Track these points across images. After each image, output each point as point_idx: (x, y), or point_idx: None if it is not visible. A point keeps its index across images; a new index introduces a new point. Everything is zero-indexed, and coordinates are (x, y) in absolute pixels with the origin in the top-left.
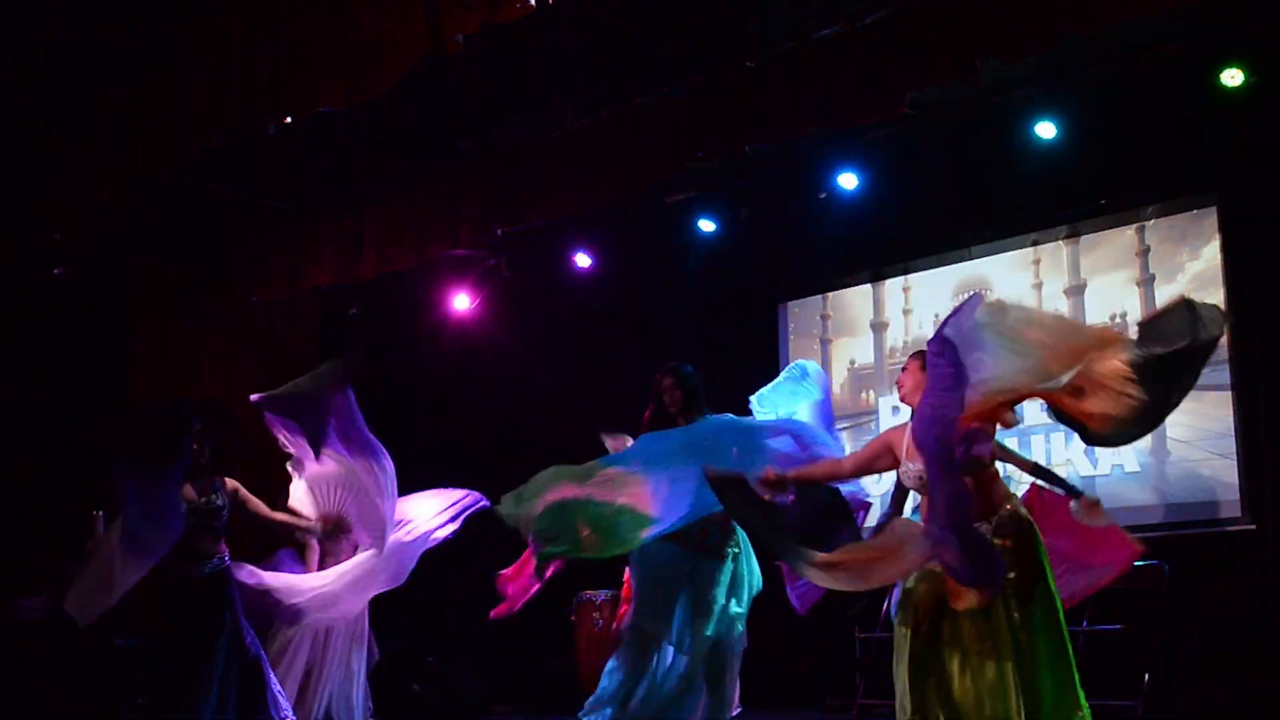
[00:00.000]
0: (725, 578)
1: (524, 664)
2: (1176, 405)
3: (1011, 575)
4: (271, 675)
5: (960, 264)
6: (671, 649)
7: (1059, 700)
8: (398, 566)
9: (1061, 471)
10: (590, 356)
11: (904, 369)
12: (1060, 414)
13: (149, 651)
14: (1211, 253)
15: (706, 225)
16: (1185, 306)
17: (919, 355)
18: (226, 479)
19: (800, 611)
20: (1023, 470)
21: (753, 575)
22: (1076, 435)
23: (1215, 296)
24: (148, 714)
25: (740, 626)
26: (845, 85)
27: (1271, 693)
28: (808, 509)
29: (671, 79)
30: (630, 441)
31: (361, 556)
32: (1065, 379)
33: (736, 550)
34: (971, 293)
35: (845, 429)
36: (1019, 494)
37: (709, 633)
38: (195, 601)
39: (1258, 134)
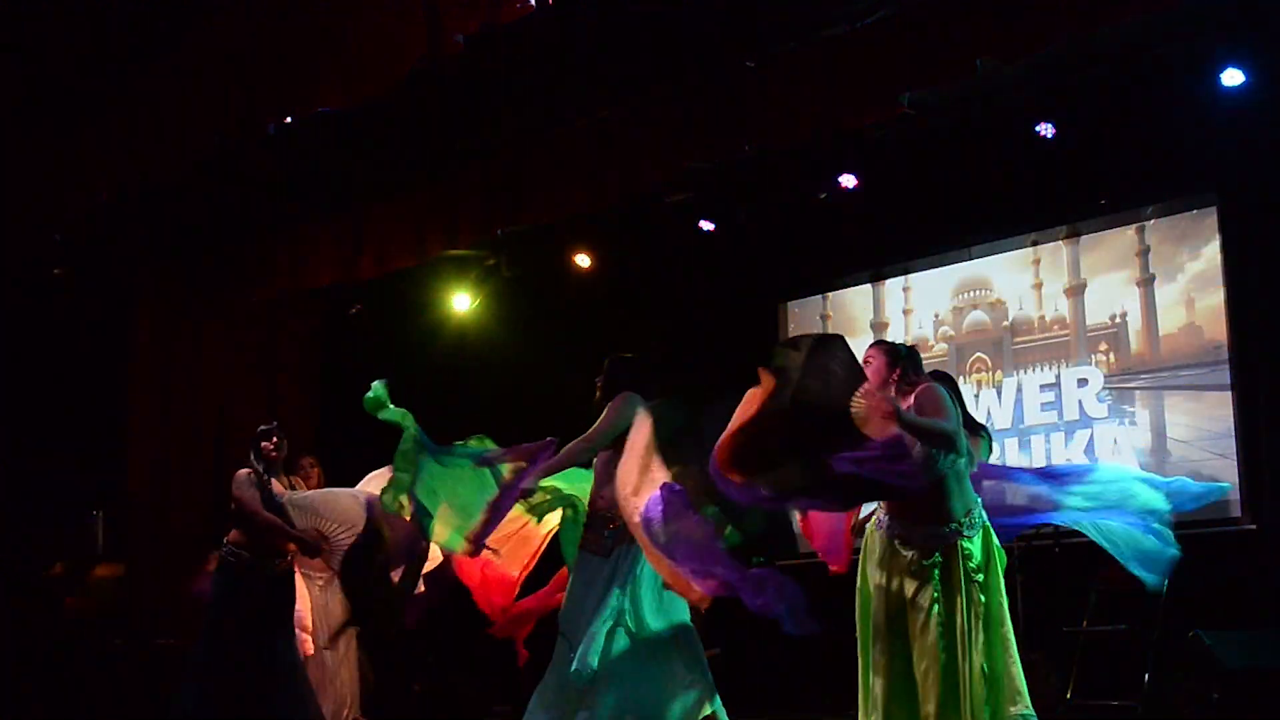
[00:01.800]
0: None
1: (524, 665)
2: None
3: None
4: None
5: (960, 264)
6: None
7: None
8: None
9: None
10: (590, 357)
11: (865, 360)
12: None
13: (205, 648)
14: (1211, 253)
15: (706, 225)
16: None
17: (880, 345)
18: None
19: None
20: None
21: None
22: (1075, 436)
23: (1215, 297)
24: (201, 711)
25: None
26: (845, 85)
27: (1270, 693)
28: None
29: (672, 79)
30: None
31: None
32: None
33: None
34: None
35: None
36: None
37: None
38: (266, 598)
39: (1258, 134)
